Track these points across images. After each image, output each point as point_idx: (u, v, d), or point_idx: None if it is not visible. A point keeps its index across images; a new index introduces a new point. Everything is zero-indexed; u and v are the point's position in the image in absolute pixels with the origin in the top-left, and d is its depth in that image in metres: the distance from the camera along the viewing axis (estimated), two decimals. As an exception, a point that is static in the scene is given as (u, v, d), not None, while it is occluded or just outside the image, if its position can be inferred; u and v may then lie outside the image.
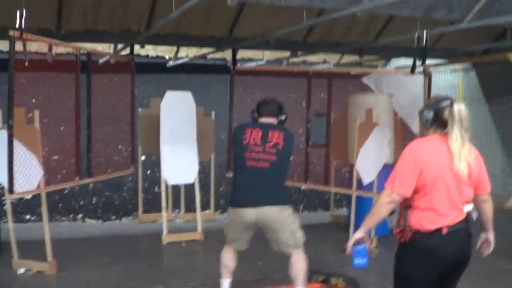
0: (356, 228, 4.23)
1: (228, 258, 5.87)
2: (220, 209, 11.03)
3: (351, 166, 9.01)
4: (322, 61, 13.87)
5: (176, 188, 10.22)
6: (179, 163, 8.90)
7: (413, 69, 7.74)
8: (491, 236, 4.25)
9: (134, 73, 9.06)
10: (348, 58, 13.52)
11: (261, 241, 5.79)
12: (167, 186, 9.36)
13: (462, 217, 3.85)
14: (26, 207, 9.94)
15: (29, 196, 7.19)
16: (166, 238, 8.80)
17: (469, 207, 3.91)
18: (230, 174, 8.69)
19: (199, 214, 9.21)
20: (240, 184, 5.64)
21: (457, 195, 3.82)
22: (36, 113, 6.99)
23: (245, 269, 6.82)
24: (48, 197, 7.42)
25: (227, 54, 12.71)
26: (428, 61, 12.68)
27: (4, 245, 7.89)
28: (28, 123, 6.92)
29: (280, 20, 9.52)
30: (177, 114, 8.85)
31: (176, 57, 12.14)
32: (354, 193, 8.71)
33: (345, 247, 4.09)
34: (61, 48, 8.14)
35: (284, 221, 5.55)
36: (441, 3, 7.17)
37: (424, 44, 7.37)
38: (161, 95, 8.92)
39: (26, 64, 6.49)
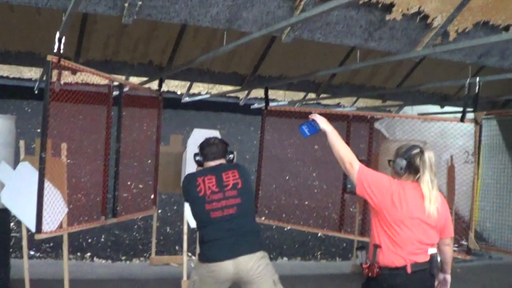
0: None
1: None
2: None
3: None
4: (336, 103, 13.67)
5: (190, 229, 9.71)
6: (203, 205, 8.40)
7: (463, 116, 7.41)
8: (448, 277, 4.51)
9: (162, 108, 8.61)
10: (363, 102, 13.37)
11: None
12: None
13: (427, 258, 4.11)
14: (29, 243, 9.39)
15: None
16: (185, 284, 8.29)
17: (433, 250, 4.16)
18: (257, 218, 8.29)
19: (220, 259, 8.69)
20: (211, 238, 4.94)
21: (424, 237, 4.08)
22: (64, 145, 6.53)
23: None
24: (55, 234, 6.96)
25: (242, 94, 12.50)
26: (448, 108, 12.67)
27: (13, 284, 7.36)
28: (53, 156, 6.46)
29: (305, 60, 9.30)
30: (204, 153, 8.35)
31: (188, 93, 11.87)
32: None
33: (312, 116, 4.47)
34: (83, 77, 7.74)
35: (264, 270, 4.90)
36: (494, 50, 6.92)
37: (476, 91, 7.06)
38: (173, 131, 8.53)
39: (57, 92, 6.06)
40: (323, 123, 4.41)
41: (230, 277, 4.90)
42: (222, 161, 5.21)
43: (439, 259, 4.35)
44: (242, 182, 5.04)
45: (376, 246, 4.15)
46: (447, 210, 4.29)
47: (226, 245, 4.84)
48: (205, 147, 5.21)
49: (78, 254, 10.06)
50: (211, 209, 4.94)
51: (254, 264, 4.85)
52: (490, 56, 7.01)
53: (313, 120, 4.45)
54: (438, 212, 4.12)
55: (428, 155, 4.11)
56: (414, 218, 4.05)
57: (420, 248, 4.08)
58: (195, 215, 5.12)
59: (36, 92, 11.82)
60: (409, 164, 4.12)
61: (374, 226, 4.23)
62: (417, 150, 4.14)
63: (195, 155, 5.33)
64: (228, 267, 4.82)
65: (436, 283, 4.47)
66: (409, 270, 4.02)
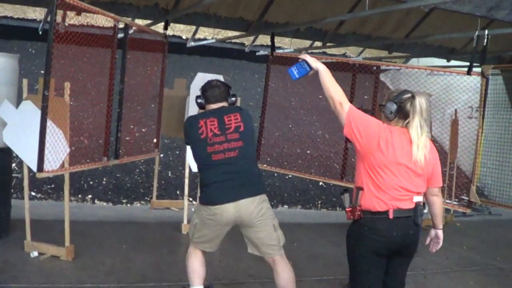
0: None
1: (198, 263, 5.21)
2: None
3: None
4: (342, 53, 13.57)
5: (191, 174, 9.71)
6: (205, 150, 8.36)
7: (470, 69, 7.31)
8: (440, 233, 4.52)
9: (167, 51, 8.50)
10: (369, 53, 13.26)
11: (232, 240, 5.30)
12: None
13: (411, 206, 4.08)
14: (30, 184, 9.41)
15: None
16: (186, 228, 8.32)
17: (419, 198, 4.12)
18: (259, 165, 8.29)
19: (220, 205, 8.68)
20: (212, 180, 4.95)
21: (409, 183, 4.05)
22: (67, 84, 6.45)
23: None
24: (55, 175, 6.94)
25: (247, 40, 12.38)
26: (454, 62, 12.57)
27: (13, 224, 7.41)
28: (57, 96, 6.39)
29: (313, 7, 9.17)
30: (207, 97, 8.27)
31: (193, 38, 11.76)
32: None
33: None
34: (88, 20, 7.63)
35: (265, 214, 4.98)
36: (504, 3, 6.81)
37: (484, 44, 6.95)
38: (177, 76, 8.43)
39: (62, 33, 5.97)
40: (315, 62, 4.30)
41: (231, 220, 4.93)
42: (224, 104, 5.18)
43: (426, 209, 4.42)
44: (244, 126, 5.02)
45: (359, 189, 4.16)
46: (436, 158, 4.25)
47: (228, 188, 4.87)
48: (207, 89, 5.15)
49: (79, 196, 10.08)
50: (213, 151, 4.93)
51: (256, 208, 4.90)
52: (500, 9, 6.91)
53: (303, 60, 4.34)
54: (426, 159, 4.08)
55: (419, 101, 4.06)
56: (400, 164, 4.03)
57: (405, 194, 4.06)
58: (196, 157, 5.11)
59: (40, 33, 11.71)
60: (399, 109, 4.09)
61: (359, 170, 4.22)
62: (408, 95, 4.10)
63: (197, 97, 5.27)
64: (229, 209, 4.85)
65: (428, 239, 4.58)
66: (391, 215, 4.03)
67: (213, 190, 4.93)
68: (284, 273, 5.04)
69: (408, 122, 4.08)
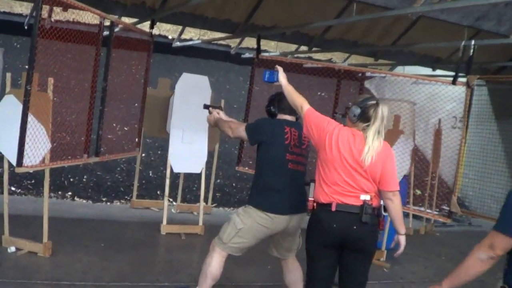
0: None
1: (218, 266, 5.14)
2: (216, 203, 10.58)
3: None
4: (328, 59, 13.57)
5: (173, 175, 9.67)
6: (188, 150, 8.37)
7: (455, 79, 7.31)
8: (401, 238, 4.55)
9: (152, 50, 8.44)
10: (355, 59, 13.26)
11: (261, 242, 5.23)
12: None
13: (357, 203, 4.28)
14: (10, 179, 9.32)
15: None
16: (165, 228, 8.28)
17: (366, 197, 4.29)
18: (240, 168, 8.33)
19: (202, 206, 8.68)
20: (280, 187, 4.97)
21: (352, 181, 4.27)
22: (51, 80, 6.39)
23: (254, 273, 6.36)
24: (36, 171, 6.85)
25: (233, 42, 12.36)
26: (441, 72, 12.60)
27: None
28: (40, 91, 6.32)
29: (300, 12, 9.15)
30: (192, 98, 8.22)
31: (179, 38, 11.72)
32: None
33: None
34: (74, 16, 7.56)
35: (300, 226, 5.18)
36: (491, 14, 6.82)
37: (471, 54, 6.96)
38: (161, 76, 8.40)
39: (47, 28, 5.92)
40: (281, 77, 4.82)
41: (280, 230, 5.07)
42: (294, 118, 5.26)
43: (386, 212, 4.46)
44: (308, 145, 5.14)
45: (312, 181, 4.57)
46: (387, 163, 4.33)
47: (290, 199, 4.98)
48: (283, 99, 5.10)
49: (59, 193, 10.00)
50: (290, 159, 5.03)
51: (299, 222, 5.11)
52: (487, 20, 6.93)
53: (277, 71, 4.85)
54: (372, 161, 4.23)
55: (382, 108, 4.27)
56: (343, 162, 4.27)
57: (348, 191, 4.29)
58: (268, 159, 5.10)
59: (26, 27, 11.62)
60: (362, 113, 4.30)
61: (316, 164, 4.51)
62: (373, 102, 4.32)
63: (269, 105, 5.32)
64: (285, 220, 4.99)
65: (392, 244, 4.78)
66: (333, 208, 4.28)
67: (278, 198, 4.98)
68: (297, 271, 5.38)
69: (368, 125, 4.28)
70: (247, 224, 5.00)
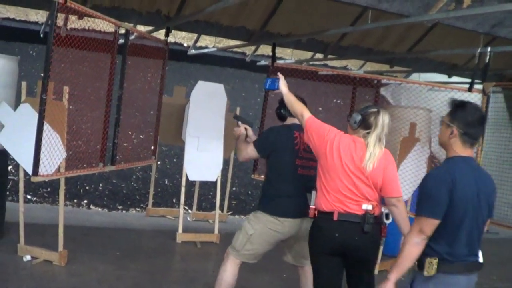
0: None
1: (232, 274, 5.13)
2: (231, 211, 10.55)
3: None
4: (343, 66, 13.53)
5: (188, 183, 9.65)
6: (203, 158, 8.35)
7: (471, 86, 7.27)
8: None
9: (167, 58, 8.44)
10: (370, 67, 13.23)
11: (276, 249, 5.25)
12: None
13: (359, 212, 4.26)
14: (26, 187, 9.35)
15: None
16: (180, 237, 8.27)
17: (368, 206, 4.27)
18: (255, 176, 8.22)
19: (217, 215, 8.67)
20: (290, 193, 4.98)
21: (354, 188, 4.26)
22: (66, 89, 6.41)
23: (269, 281, 6.31)
24: (52, 179, 6.90)
25: (249, 50, 12.35)
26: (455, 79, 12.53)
27: (7, 227, 7.36)
28: (55, 99, 6.32)
29: (315, 19, 9.13)
30: (207, 106, 8.27)
31: (194, 46, 11.73)
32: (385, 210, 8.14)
33: None
34: (90, 24, 7.57)
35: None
36: (508, 20, 6.77)
37: (487, 61, 6.92)
38: (177, 84, 8.40)
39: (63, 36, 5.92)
40: (282, 85, 4.85)
41: (292, 234, 5.06)
42: None
43: (391, 219, 4.45)
44: None
45: (314, 189, 4.55)
46: (388, 169, 4.36)
47: (301, 204, 4.90)
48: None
49: (75, 201, 10.03)
50: (300, 165, 5.03)
51: (308, 226, 4.90)
52: (503, 27, 6.86)
53: (279, 79, 4.88)
54: (374, 168, 4.24)
55: (383, 117, 4.33)
56: (346, 169, 4.27)
57: (351, 199, 4.28)
58: (279, 166, 5.11)
59: (41, 35, 11.67)
60: (363, 120, 4.35)
61: (317, 172, 4.53)
62: (374, 110, 4.38)
63: (279, 107, 5.27)
64: (296, 224, 4.99)
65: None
66: (335, 217, 4.27)
67: (287, 203, 4.99)
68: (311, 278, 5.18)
69: (368, 133, 4.32)
70: (257, 229, 5.01)
